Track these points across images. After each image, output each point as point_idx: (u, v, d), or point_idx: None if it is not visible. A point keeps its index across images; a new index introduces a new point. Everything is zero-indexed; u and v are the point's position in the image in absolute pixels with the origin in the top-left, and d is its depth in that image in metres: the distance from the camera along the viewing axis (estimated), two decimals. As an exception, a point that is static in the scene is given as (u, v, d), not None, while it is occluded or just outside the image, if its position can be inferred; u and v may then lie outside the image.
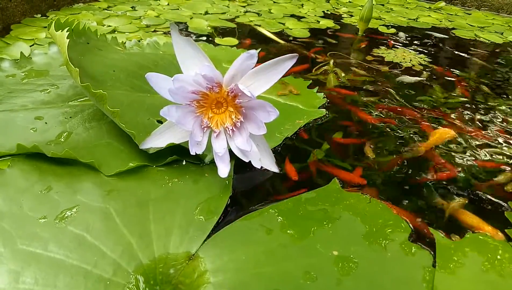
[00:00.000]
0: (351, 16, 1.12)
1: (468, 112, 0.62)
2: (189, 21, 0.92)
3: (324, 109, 0.57)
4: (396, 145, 0.51)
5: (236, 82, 0.37)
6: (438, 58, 0.86)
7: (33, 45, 0.69)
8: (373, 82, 0.70)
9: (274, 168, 0.42)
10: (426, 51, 0.89)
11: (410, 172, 0.46)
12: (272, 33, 0.90)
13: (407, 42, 0.94)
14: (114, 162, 0.40)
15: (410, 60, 0.82)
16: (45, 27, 0.78)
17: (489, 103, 0.67)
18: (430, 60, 0.84)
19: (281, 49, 0.82)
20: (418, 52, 0.87)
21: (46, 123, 0.44)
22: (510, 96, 0.70)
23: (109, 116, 0.42)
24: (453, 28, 1.09)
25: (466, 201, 0.42)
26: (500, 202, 0.43)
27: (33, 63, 0.56)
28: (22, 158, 0.40)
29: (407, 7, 1.29)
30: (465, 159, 0.50)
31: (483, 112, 0.63)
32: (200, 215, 0.37)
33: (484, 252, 0.36)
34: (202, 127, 0.38)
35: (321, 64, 0.75)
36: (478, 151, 0.52)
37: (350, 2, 1.29)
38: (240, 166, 0.42)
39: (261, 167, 0.40)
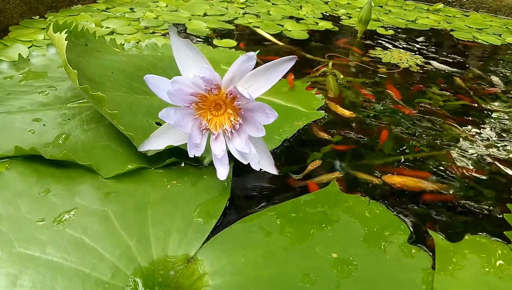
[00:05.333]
0: (350, 17, 1.12)
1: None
2: (188, 22, 0.92)
3: (323, 111, 0.57)
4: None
5: (234, 84, 0.37)
6: (436, 60, 0.86)
7: (31, 46, 0.69)
8: (372, 84, 0.70)
9: (273, 170, 0.42)
10: (425, 53, 0.89)
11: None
12: (271, 34, 0.90)
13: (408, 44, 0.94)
14: (113, 164, 0.40)
15: (407, 61, 0.82)
16: (44, 28, 0.78)
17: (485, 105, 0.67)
18: (427, 61, 0.84)
19: (280, 50, 0.82)
20: (412, 53, 0.87)
21: (44, 125, 0.44)
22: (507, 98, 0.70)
23: (107, 118, 0.42)
24: (452, 30, 1.10)
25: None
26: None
27: (31, 65, 0.56)
28: (20, 160, 0.39)
29: (405, 9, 1.29)
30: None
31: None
32: (198, 218, 0.36)
33: (483, 254, 0.36)
34: (201, 129, 0.38)
35: (319, 66, 0.75)
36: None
37: (348, 4, 1.29)
38: (239, 168, 0.42)
39: (260, 169, 0.40)
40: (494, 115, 0.64)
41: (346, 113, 0.59)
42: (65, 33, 0.44)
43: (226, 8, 1.08)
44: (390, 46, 0.91)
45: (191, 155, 0.38)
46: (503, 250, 0.37)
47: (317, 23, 1.03)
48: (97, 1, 1.01)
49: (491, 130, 0.59)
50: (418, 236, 0.38)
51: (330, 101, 0.62)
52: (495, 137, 0.57)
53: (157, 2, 1.06)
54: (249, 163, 0.39)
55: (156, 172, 0.41)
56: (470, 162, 0.50)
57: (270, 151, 0.43)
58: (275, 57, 0.38)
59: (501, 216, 0.41)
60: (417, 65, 0.81)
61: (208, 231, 0.35)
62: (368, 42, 0.93)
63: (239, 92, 0.35)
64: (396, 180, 0.45)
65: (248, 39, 0.87)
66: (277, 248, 0.34)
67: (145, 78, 0.37)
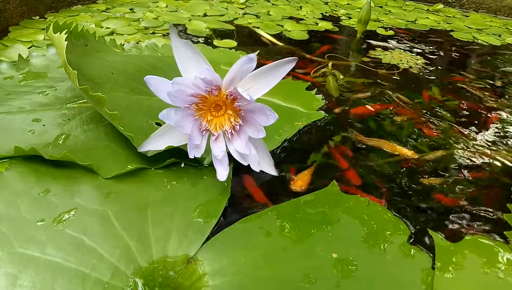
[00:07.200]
0: (350, 18, 1.12)
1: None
2: (188, 23, 0.92)
3: (323, 111, 0.57)
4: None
5: (235, 85, 0.37)
6: (436, 60, 0.86)
7: (31, 47, 0.69)
8: (371, 84, 0.70)
9: (273, 171, 0.42)
10: (425, 53, 0.89)
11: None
12: (271, 35, 0.90)
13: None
14: (113, 164, 0.40)
15: (407, 62, 0.82)
16: (44, 29, 0.78)
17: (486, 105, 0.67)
18: (428, 62, 0.84)
19: (280, 51, 0.82)
20: (412, 54, 0.87)
21: (44, 125, 0.44)
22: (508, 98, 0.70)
23: (107, 118, 0.42)
24: (451, 30, 1.10)
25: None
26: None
27: (31, 65, 0.56)
28: (20, 161, 0.39)
29: (405, 9, 1.29)
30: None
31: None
32: (198, 218, 0.36)
33: (483, 254, 0.36)
34: (201, 130, 0.38)
35: (319, 67, 0.75)
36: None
37: (348, 4, 1.29)
38: (238, 169, 0.42)
39: (260, 170, 0.40)
40: (494, 114, 0.64)
41: (408, 153, 0.49)
42: (65, 34, 0.44)
43: (226, 9, 1.08)
44: (390, 46, 0.91)
45: (191, 155, 0.38)
46: (503, 250, 0.37)
47: (317, 24, 1.03)
48: (97, 2, 1.01)
49: (491, 129, 0.59)
50: (417, 236, 0.38)
51: (381, 139, 0.52)
52: (496, 136, 0.57)
53: (157, 2, 1.06)
54: (249, 164, 0.39)
55: (156, 173, 0.41)
56: (471, 161, 0.50)
57: (270, 152, 0.43)
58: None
59: (501, 216, 0.41)
60: (417, 65, 0.81)
61: (208, 231, 0.35)
62: (367, 42, 0.93)
63: (240, 93, 0.35)
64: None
65: (248, 39, 0.87)
66: (277, 248, 0.34)
67: (146, 79, 0.37)
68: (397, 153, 0.49)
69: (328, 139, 0.52)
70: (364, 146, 0.51)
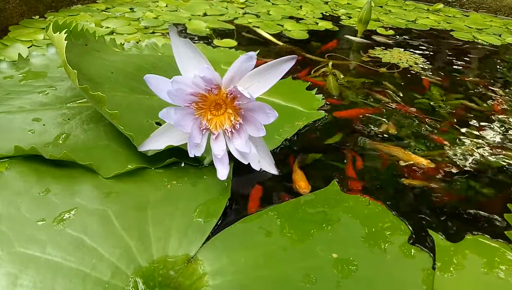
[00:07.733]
0: (350, 17, 1.12)
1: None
2: (188, 22, 0.92)
3: (323, 111, 0.57)
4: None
5: (235, 84, 0.37)
6: (436, 60, 0.86)
7: (31, 46, 0.69)
8: (372, 83, 0.70)
9: (273, 170, 0.42)
10: (424, 53, 0.89)
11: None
12: (271, 34, 0.90)
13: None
14: (113, 164, 0.40)
15: (407, 61, 0.82)
16: (43, 28, 0.78)
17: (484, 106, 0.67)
18: (427, 61, 0.84)
19: (280, 50, 0.82)
20: (412, 53, 0.87)
21: (44, 125, 0.44)
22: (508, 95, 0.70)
23: (107, 118, 0.42)
24: (451, 30, 1.10)
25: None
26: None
27: (31, 65, 0.56)
28: (20, 160, 0.39)
29: (405, 9, 1.29)
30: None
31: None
32: (199, 218, 0.36)
33: (484, 255, 0.36)
34: (201, 129, 0.38)
35: (319, 66, 0.75)
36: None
37: (348, 4, 1.29)
38: (239, 168, 0.42)
39: (260, 169, 0.40)
40: (494, 114, 0.64)
41: (424, 161, 0.48)
42: (65, 33, 0.44)
43: (226, 8, 1.07)
44: (390, 45, 0.91)
45: (191, 155, 0.38)
46: (503, 250, 0.37)
47: (317, 23, 1.03)
48: (97, 1, 1.01)
49: (492, 129, 0.59)
50: (418, 236, 0.38)
51: (396, 147, 0.50)
52: (497, 136, 0.57)
53: (157, 2, 1.06)
54: (249, 163, 0.39)
55: (156, 172, 0.41)
56: (471, 161, 0.50)
57: (270, 151, 0.43)
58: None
59: (501, 216, 0.41)
60: (417, 65, 0.81)
61: (208, 231, 0.35)
62: (368, 42, 0.93)
63: (240, 91, 0.35)
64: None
65: (248, 38, 0.86)
66: (277, 248, 0.34)
67: (145, 78, 0.37)
68: (411, 161, 0.48)
69: (328, 138, 0.52)
70: (365, 146, 0.51)
